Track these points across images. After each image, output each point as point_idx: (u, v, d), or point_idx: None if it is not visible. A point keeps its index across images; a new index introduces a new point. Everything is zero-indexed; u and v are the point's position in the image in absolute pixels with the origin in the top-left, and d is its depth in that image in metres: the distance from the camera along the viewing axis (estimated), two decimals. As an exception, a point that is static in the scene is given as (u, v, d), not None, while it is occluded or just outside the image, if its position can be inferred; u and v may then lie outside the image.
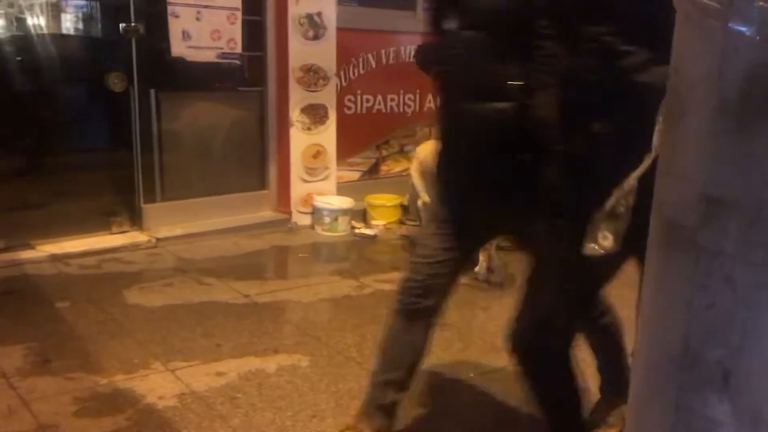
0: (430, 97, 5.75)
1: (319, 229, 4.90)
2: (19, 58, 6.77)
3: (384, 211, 5.11)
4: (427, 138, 5.64)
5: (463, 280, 3.93)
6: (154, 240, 4.36)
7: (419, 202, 4.56)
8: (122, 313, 3.31)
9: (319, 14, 4.77)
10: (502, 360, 2.93)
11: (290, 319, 3.39)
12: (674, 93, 0.89)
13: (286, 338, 3.13)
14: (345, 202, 4.96)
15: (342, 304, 3.58)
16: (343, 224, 4.90)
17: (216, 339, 3.05)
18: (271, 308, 3.47)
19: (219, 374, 2.74)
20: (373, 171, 5.59)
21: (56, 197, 5.15)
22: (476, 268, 4.03)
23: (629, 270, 1.69)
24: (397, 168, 5.59)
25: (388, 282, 3.90)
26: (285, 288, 3.77)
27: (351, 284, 3.85)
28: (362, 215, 5.15)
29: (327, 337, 3.13)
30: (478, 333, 3.24)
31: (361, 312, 3.45)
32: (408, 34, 5.51)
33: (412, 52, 5.49)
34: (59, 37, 7.11)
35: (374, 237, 4.86)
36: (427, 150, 4.54)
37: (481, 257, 3.99)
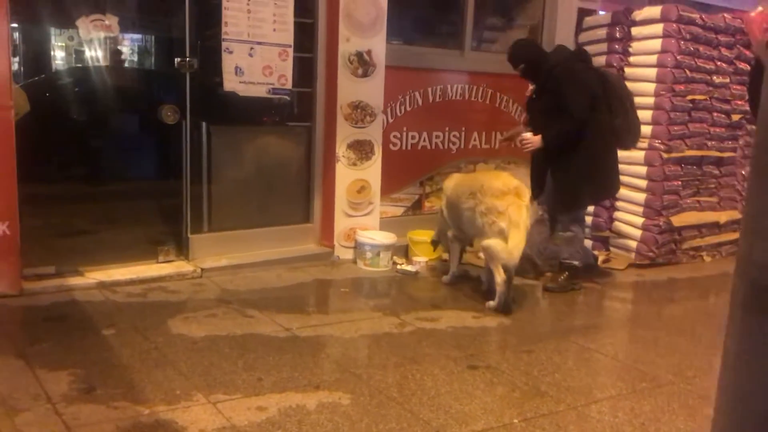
0: (474, 134, 5.77)
1: (361, 264, 4.91)
2: (76, 89, 7.04)
3: (426, 248, 5.09)
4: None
5: (503, 320, 3.91)
6: (199, 270, 4.42)
7: (449, 233, 4.57)
8: (166, 342, 3.34)
9: (368, 52, 4.84)
10: (547, 405, 2.88)
11: (331, 354, 3.38)
12: (764, 151, 0.86)
13: (326, 374, 3.12)
14: (387, 238, 4.96)
15: (383, 341, 3.55)
16: (385, 260, 4.90)
17: (257, 372, 3.05)
18: (312, 343, 3.47)
19: (260, 409, 2.73)
20: (416, 207, 5.60)
21: (107, 224, 5.30)
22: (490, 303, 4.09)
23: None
24: (440, 204, 5.57)
25: (429, 320, 3.88)
26: (326, 323, 3.77)
27: (392, 321, 3.83)
28: (404, 251, 5.15)
29: (368, 375, 3.11)
30: (521, 376, 3.18)
31: (402, 350, 3.42)
32: (455, 73, 5.56)
33: (459, 90, 5.55)
34: (115, 70, 7.38)
35: (416, 273, 4.84)
36: (452, 183, 4.55)
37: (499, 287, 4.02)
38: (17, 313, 3.64)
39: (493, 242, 3.99)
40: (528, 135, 4.43)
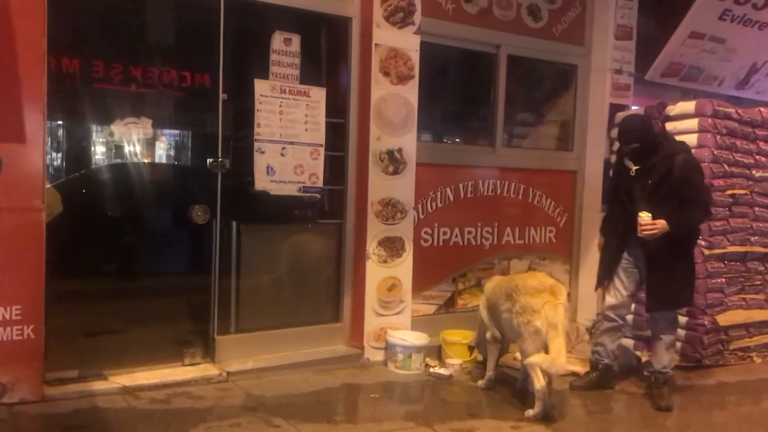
0: (508, 230, 5.67)
1: (392, 366, 4.72)
2: (112, 185, 7.16)
3: (459, 349, 4.90)
4: (503, 272, 5.52)
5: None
6: (224, 374, 4.28)
7: (488, 335, 4.41)
8: (187, 456, 3.18)
9: (399, 150, 4.83)
10: None
11: (361, 471, 3.18)
12: None
13: (355, 495, 2.91)
14: (419, 339, 4.79)
15: (416, 456, 3.34)
16: (417, 362, 4.71)
17: (282, 493, 2.86)
18: (340, 457, 3.27)
19: None
20: (449, 305, 5.44)
21: (134, 323, 5.22)
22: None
23: None
24: (474, 302, 5.41)
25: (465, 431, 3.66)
26: (356, 434, 3.58)
27: (426, 433, 3.62)
28: (437, 352, 4.96)
29: (400, 497, 2.89)
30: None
31: (436, 467, 3.21)
32: (486, 168, 5.52)
33: (490, 186, 5.49)
34: (150, 166, 7.53)
35: (449, 377, 4.63)
36: (492, 285, 4.43)
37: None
38: (37, 421, 3.51)
39: (537, 359, 3.80)
40: (650, 218, 4.11)
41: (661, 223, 4.08)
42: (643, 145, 4.24)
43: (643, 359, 4.98)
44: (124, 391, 3.94)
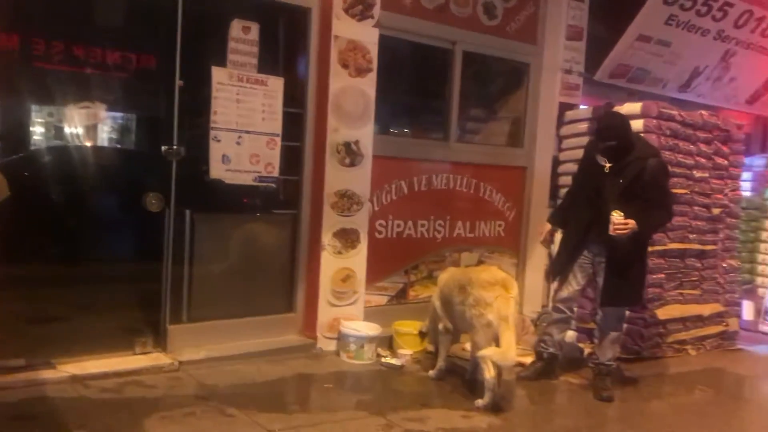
0: (459, 223, 5.77)
1: (344, 356, 4.77)
2: (55, 168, 6.94)
3: (411, 340, 4.98)
4: (454, 264, 5.63)
5: (493, 420, 3.76)
6: (177, 363, 4.25)
7: (440, 326, 4.49)
8: (141, 445, 3.16)
9: (356, 142, 4.86)
10: None
11: (316, 460, 3.22)
12: None
13: (312, 484, 2.96)
14: (372, 329, 4.85)
15: (370, 445, 3.40)
16: (369, 352, 4.77)
17: (239, 482, 2.89)
18: (295, 447, 3.31)
19: None
20: (401, 296, 5.52)
21: (81, 311, 5.11)
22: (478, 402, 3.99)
23: None
24: (425, 293, 5.50)
25: (417, 420, 3.75)
26: (310, 423, 3.61)
27: (378, 422, 3.68)
28: (389, 342, 5.03)
29: (355, 484, 2.95)
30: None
31: (390, 456, 3.28)
32: (440, 162, 5.60)
33: (443, 179, 5.58)
34: (96, 150, 7.33)
35: (401, 367, 4.71)
36: (446, 276, 4.51)
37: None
38: (-18, 411, 3.44)
39: (489, 352, 3.90)
40: (623, 218, 4.12)
41: (632, 223, 4.13)
42: (620, 143, 4.23)
43: (587, 351, 5.16)
44: (74, 380, 3.87)
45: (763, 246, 7.22)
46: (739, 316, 6.25)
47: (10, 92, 6.33)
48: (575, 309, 4.83)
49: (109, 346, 4.28)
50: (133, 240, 6.11)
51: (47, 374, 3.88)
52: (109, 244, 6.22)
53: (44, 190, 6.47)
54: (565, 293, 4.56)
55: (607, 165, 4.28)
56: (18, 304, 4.93)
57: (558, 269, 4.64)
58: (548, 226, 4.74)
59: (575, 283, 4.53)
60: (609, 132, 4.29)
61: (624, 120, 4.46)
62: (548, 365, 4.70)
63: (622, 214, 4.13)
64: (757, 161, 7.54)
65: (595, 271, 4.49)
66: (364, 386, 4.42)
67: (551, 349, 4.67)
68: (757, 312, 6.94)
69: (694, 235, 5.68)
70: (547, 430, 3.93)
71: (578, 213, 4.52)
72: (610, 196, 4.24)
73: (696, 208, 5.68)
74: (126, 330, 4.56)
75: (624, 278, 4.37)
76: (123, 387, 3.89)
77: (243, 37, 4.52)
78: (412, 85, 6.08)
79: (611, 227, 4.15)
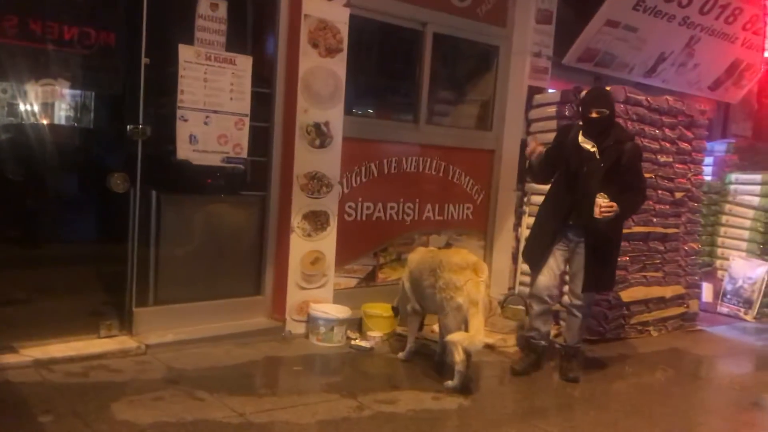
0: (428, 206, 5.78)
1: (313, 339, 4.76)
2: (25, 150, 6.71)
3: (380, 322, 4.99)
4: (422, 245, 5.63)
5: (463, 401, 3.79)
6: (143, 346, 4.18)
7: (408, 307, 4.50)
8: (110, 430, 3.11)
9: (326, 124, 4.82)
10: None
11: (287, 443, 3.21)
12: None
13: (284, 467, 2.95)
14: (341, 312, 4.84)
15: (342, 427, 3.40)
16: (338, 335, 4.77)
17: (210, 466, 2.86)
18: (267, 430, 3.29)
19: None
20: (370, 278, 5.52)
21: (43, 294, 4.97)
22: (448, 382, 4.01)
23: None
24: (394, 276, 5.51)
25: (388, 402, 3.76)
26: (281, 406, 3.59)
27: (350, 404, 3.68)
28: (358, 325, 5.03)
29: (328, 467, 2.95)
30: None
31: (362, 438, 3.28)
32: (410, 145, 5.59)
33: (413, 162, 5.57)
34: (56, 128, 7.11)
35: (371, 349, 4.72)
36: (416, 257, 4.51)
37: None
38: (-58, 397, 3.34)
39: (457, 337, 3.91)
40: (607, 201, 4.12)
41: (616, 206, 4.14)
42: (608, 114, 4.25)
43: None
44: (38, 365, 3.79)
45: (722, 230, 7.42)
46: (699, 297, 6.40)
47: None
48: (555, 296, 4.71)
49: (73, 330, 4.19)
50: (97, 221, 5.96)
51: (9, 359, 3.79)
52: (72, 225, 6.06)
53: (12, 171, 6.26)
54: (546, 281, 4.46)
55: (591, 148, 4.27)
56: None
57: (538, 255, 4.50)
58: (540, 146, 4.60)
59: (556, 268, 4.47)
60: (600, 100, 4.28)
61: (610, 92, 4.57)
62: (541, 356, 4.62)
63: (607, 197, 4.13)
64: (718, 146, 7.71)
65: (570, 256, 4.46)
66: (334, 369, 4.42)
67: (543, 342, 4.58)
68: (716, 294, 7.12)
69: (658, 219, 5.79)
70: (516, 410, 3.98)
71: (556, 199, 4.48)
72: (590, 180, 4.23)
73: (660, 192, 5.77)
74: (90, 313, 4.45)
75: (605, 263, 4.41)
76: (89, 371, 3.82)
77: (211, 14, 4.43)
78: (383, 66, 6.03)
79: (597, 210, 4.13)
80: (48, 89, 4.42)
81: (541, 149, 4.56)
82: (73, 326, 4.23)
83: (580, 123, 4.41)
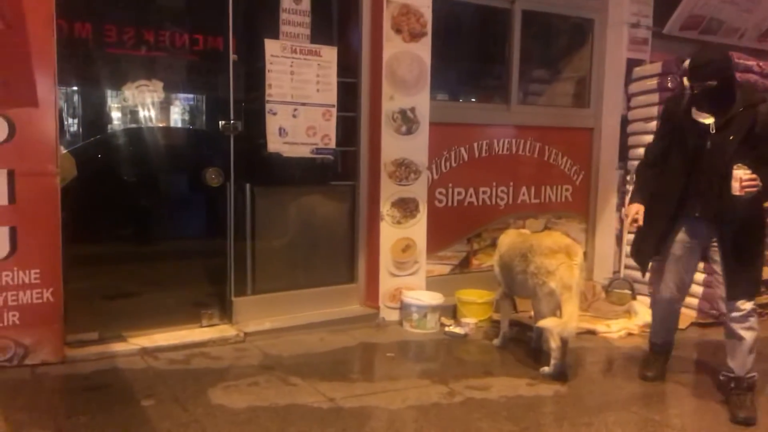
0: (523, 189, 5.62)
1: (407, 326, 4.75)
2: (129, 149, 7.19)
3: (475, 308, 4.91)
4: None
5: (559, 388, 3.65)
6: (242, 334, 4.33)
7: (499, 291, 4.42)
8: (206, 414, 3.23)
9: (412, 109, 4.78)
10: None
11: (376, 429, 3.21)
12: None
13: (371, 451, 2.95)
14: (434, 298, 4.80)
15: (431, 413, 3.36)
16: (432, 321, 4.73)
17: (299, 449, 2.91)
18: (356, 415, 3.31)
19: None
20: (464, 265, 5.44)
21: (150, 286, 5.28)
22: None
23: None
24: (489, 262, 5.38)
25: (480, 389, 3.69)
26: (371, 392, 3.61)
27: (441, 390, 3.64)
28: (452, 311, 4.97)
29: (415, 452, 2.93)
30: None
31: (452, 424, 3.23)
32: (501, 127, 5.45)
33: (505, 144, 5.43)
34: (164, 130, 7.54)
35: (465, 336, 4.65)
36: (507, 240, 4.38)
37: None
38: (58, 382, 3.59)
39: (550, 323, 3.78)
40: (750, 173, 3.25)
41: (758, 180, 3.27)
42: (720, 84, 3.37)
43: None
44: (144, 352, 4.00)
45: None
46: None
47: (86, 78, 6.55)
48: (680, 300, 3.89)
49: (177, 320, 4.40)
50: (198, 216, 6.26)
51: (119, 347, 4.02)
52: (176, 221, 6.40)
53: (116, 171, 6.69)
54: (668, 294, 3.75)
55: (708, 122, 3.44)
56: (92, 281, 5.14)
57: (648, 254, 3.75)
58: (637, 207, 3.74)
59: (684, 274, 3.71)
60: (705, 69, 3.38)
61: (724, 54, 3.60)
62: (667, 358, 4.07)
63: (747, 168, 3.28)
64: None
65: (704, 256, 3.67)
66: (426, 355, 4.40)
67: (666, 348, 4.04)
68: None
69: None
70: (618, 398, 3.79)
71: (668, 182, 3.64)
72: (717, 158, 3.40)
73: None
74: (193, 304, 4.67)
75: (752, 261, 3.51)
76: (190, 358, 4.00)
77: (294, 7, 4.49)
78: (470, 48, 5.92)
79: (736, 185, 3.28)
80: (150, 92, 4.65)
81: (638, 210, 3.72)
82: (177, 316, 4.45)
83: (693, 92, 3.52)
